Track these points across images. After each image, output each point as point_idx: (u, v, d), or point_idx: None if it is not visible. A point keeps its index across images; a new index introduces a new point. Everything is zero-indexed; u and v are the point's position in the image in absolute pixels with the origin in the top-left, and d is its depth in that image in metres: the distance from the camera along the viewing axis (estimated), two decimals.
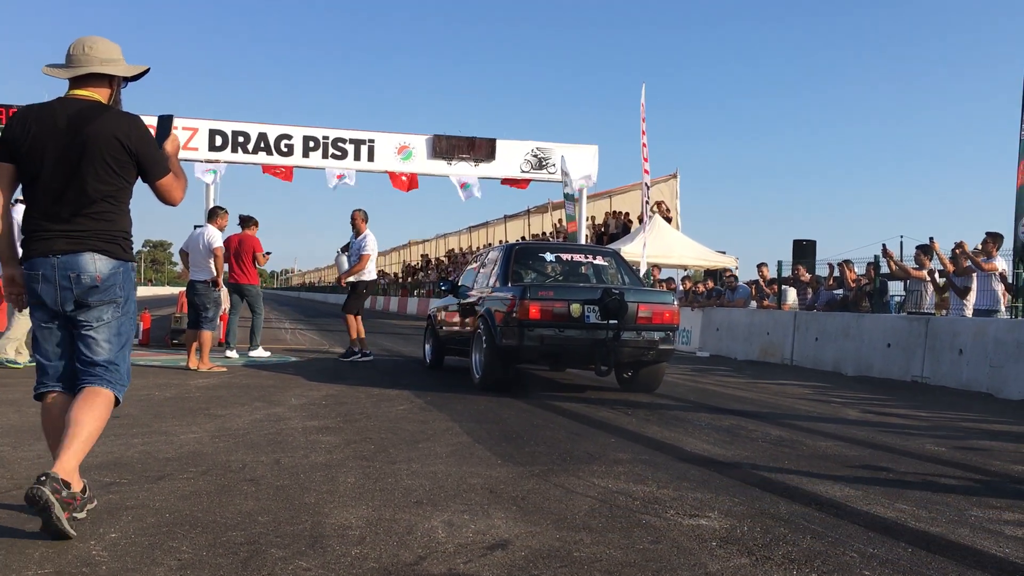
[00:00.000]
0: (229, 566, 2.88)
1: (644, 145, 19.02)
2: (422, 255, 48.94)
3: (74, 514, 3.14)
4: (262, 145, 21.37)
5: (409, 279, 44.59)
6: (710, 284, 17.97)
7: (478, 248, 32.89)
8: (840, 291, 14.02)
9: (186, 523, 3.37)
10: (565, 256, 9.63)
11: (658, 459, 5.12)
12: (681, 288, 19.00)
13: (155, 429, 5.51)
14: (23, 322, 9.04)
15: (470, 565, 2.98)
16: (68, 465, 3.13)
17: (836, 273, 14.36)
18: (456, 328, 9.70)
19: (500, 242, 35.02)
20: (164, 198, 3.52)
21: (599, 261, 9.60)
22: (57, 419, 3.32)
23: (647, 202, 19.44)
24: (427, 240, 51.32)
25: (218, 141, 21.30)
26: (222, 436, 5.34)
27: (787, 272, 15.69)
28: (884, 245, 12.70)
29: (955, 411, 8.19)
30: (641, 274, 20.98)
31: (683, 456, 5.25)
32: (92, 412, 3.26)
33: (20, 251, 3.42)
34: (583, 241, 23.83)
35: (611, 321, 7.86)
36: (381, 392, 7.98)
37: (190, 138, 21.24)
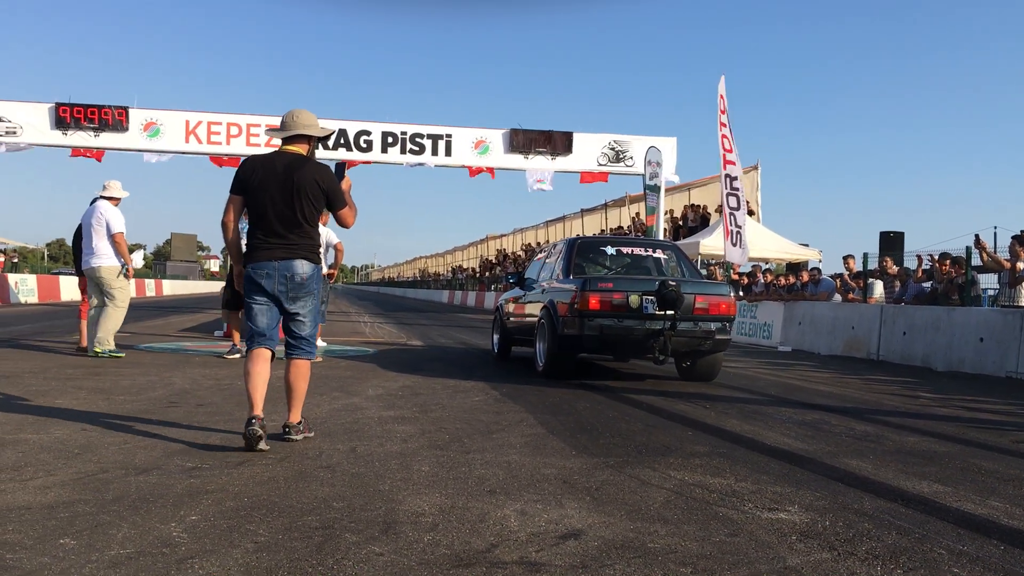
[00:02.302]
0: (304, 549, 2.91)
1: (724, 137, 18.60)
2: (499, 250, 49.10)
3: (296, 436, 4.86)
4: (342, 141, 21.72)
5: (487, 274, 44.77)
6: (791, 278, 17.54)
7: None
8: (929, 284, 13.54)
9: (263, 507, 3.42)
10: (625, 249, 9.80)
11: (737, 452, 5.01)
12: (762, 281, 18.63)
13: (236, 418, 5.62)
14: (118, 315, 9.42)
15: (542, 554, 2.95)
16: (295, 416, 4.91)
17: (925, 265, 13.86)
18: (522, 319, 10.02)
19: (577, 236, 34.85)
20: (341, 222, 5.04)
21: (659, 254, 9.75)
22: (258, 365, 4.74)
23: (730, 195, 18.88)
24: (504, 235, 51.46)
25: None
26: None
27: (873, 264, 15.24)
28: (977, 236, 12.23)
29: None
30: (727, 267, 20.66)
31: (763, 449, 5.12)
32: (301, 378, 4.87)
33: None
34: (661, 235, 23.58)
35: (668, 311, 8.05)
36: (456, 383, 8.01)
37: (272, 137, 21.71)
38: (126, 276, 9.51)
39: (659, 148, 22.94)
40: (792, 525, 3.40)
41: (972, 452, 5.27)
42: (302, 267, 4.75)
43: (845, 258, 16.00)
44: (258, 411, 4.61)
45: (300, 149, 4.87)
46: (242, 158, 22.34)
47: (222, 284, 10.03)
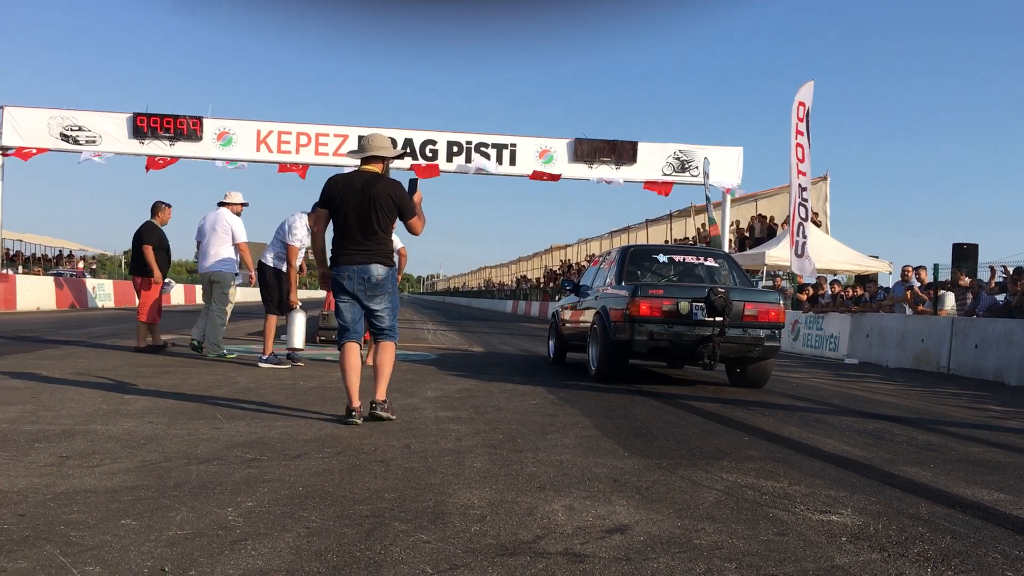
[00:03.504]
0: (353, 536, 2.98)
1: (799, 146, 18.24)
2: (563, 260, 49.08)
3: (383, 413, 5.54)
4: (408, 150, 21.99)
5: (550, 284, 44.80)
6: (859, 290, 17.19)
7: None
8: (1003, 296, 13.15)
9: (317, 496, 3.51)
10: (677, 257, 10.00)
11: (792, 457, 4.95)
12: (829, 292, 18.29)
13: (297, 414, 5.76)
14: (224, 319, 9.70)
15: (587, 546, 2.97)
16: (381, 394, 5.58)
17: (999, 277, 13.47)
18: (576, 325, 10.27)
19: None
20: (411, 230, 5.76)
21: (710, 263, 9.89)
22: (352, 358, 5.51)
23: (801, 205, 18.49)
24: (569, 245, 51.43)
25: None
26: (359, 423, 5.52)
27: (945, 276, 14.86)
28: None
29: None
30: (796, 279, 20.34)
31: (820, 455, 5.06)
32: (388, 359, 5.66)
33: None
34: (726, 246, 23.34)
35: (717, 318, 8.19)
36: (514, 387, 8.06)
37: (340, 144, 22.13)
38: (247, 284, 9.86)
39: (720, 158, 22.77)
40: (843, 527, 3.36)
41: None
42: (377, 270, 5.50)
43: (916, 269, 15.63)
44: (356, 402, 5.45)
45: (376, 168, 5.68)
46: (309, 165, 22.71)
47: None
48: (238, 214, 9.97)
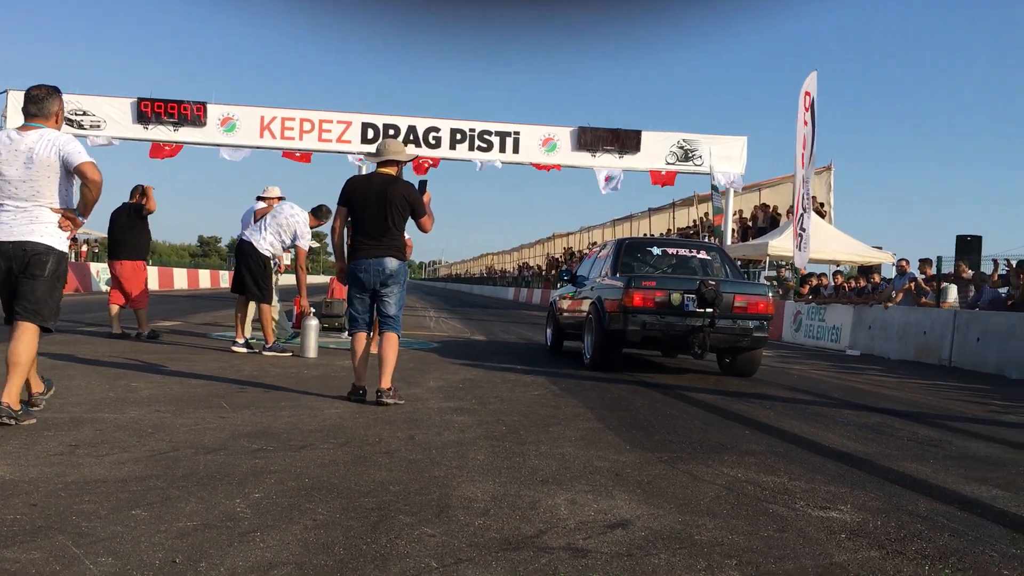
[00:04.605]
0: (359, 528, 3.03)
1: (805, 137, 18.21)
2: (565, 248, 49.07)
3: (388, 400, 5.80)
4: (411, 137, 22.02)
5: (553, 272, 44.81)
6: (862, 281, 17.21)
7: None
8: (1006, 289, 13.17)
9: (323, 488, 3.56)
10: (670, 250, 10.25)
11: (793, 452, 4.99)
12: (832, 284, 18.32)
13: (302, 404, 5.81)
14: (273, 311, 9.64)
15: (589, 541, 3.01)
16: (386, 382, 5.87)
17: (1001, 270, 13.48)
18: (572, 314, 10.53)
19: (644, 235, 34.71)
20: (421, 228, 6.24)
21: (703, 255, 10.17)
22: (361, 344, 6.04)
23: (804, 195, 18.48)
24: (571, 233, 51.39)
25: (370, 134, 22.10)
26: (362, 413, 5.58)
27: (948, 268, 14.87)
28: None
29: None
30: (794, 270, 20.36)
31: (820, 450, 5.10)
32: (391, 349, 5.96)
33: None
34: (729, 236, 23.36)
35: (708, 309, 8.47)
36: (517, 378, 8.11)
37: (344, 131, 22.14)
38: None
39: (724, 148, 22.77)
40: (843, 524, 3.41)
41: None
42: (391, 263, 6.00)
43: (921, 261, 15.63)
44: (363, 381, 6.01)
45: (391, 170, 6.16)
46: (312, 152, 22.69)
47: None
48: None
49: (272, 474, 3.76)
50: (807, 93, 18.17)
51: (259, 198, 9.92)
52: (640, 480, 4.01)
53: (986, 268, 14.36)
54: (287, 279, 10.76)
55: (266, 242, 9.10)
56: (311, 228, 9.53)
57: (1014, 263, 13.08)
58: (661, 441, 5.12)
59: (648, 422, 5.82)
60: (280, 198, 9.93)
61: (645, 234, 35.53)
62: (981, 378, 11.11)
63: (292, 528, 3.00)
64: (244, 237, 9.25)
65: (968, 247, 17.69)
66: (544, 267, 49.78)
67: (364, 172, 6.69)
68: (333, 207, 7.80)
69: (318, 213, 9.71)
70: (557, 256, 49.00)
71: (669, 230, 33.76)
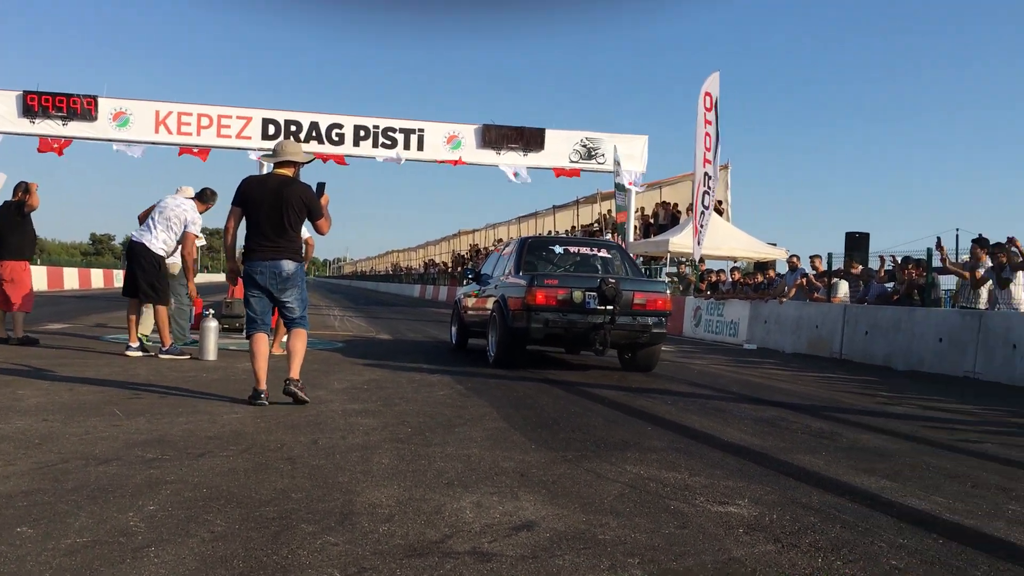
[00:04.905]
0: (259, 539, 2.96)
1: (707, 135, 18.63)
2: (471, 245, 49.09)
3: (296, 389, 5.84)
4: (313, 134, 21.67)
5: (458, 269, 44.76)
6: (758, 277, 17.74)
7: None
8: (892, 284, 13.76)
9: (222, 498, 3.46)
10: (572, 248, 10.48)
11: (693, 447, 5.11)
12: (730, 279, 18.82)
13: (200, 409, 5.64)
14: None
15: (494, 544, 3.02)
16: (295, 373, 5.89)
17: (888, 266, 14.09)
18: (477, 312, 10.65)
19: (549, 232, 35.00)
20: (318, 230, 6.31)
21: (604, 253, 10.39)
22: (261, 346, 5.88)
23: (706, 193, 18.88)
24: (477, 230, 51.45)
25: (271, 130, 21.63)
26: (264, 417, 5.46)
27: (838, 264, 15.45)
28: (939, 239, 12.45)
29: (1006, 407, 8.03)
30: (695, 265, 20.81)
31: (719, 445, 5.23)
32: (301, 343, 6.01)
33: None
34: (631, 233, 23.73)
35: (608, 307, 8.71)
36: (423, 377, 8.06)
37: (243, 127, 21.62)
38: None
39: (626, 146, 23.11)
40: (740, 518, 3.50)
41: (922, 450, 5.41)
42: (288, 266, 5.95)
43: (812, 258, 16.20)
44: (263, 385, 5.83)
45: (288, 172, 6.13)
46: (211, 148, 22.08)
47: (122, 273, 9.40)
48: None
49: (168, 485, 3.64)
50: (708, 94, 18.59)
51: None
52: (545, 480, 4.04)
53: (874, 264, 14.98)
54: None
55: (159, 240, 8.80)
56: (199, 213, 9.27)
57: (899, 259, 13.68)
58: (566, 440, 5.16)
59: (553, 420, 5.86)
60: (193, 199, 9.65)
61: (550, 231, 35.85)
62: (870, 370, 11.58)
63: (189, 542, 2.90)
64: (135, 238, 8.92)
65: (856, 243, 18.42)
66: (450, 264, 49.70)
67: (265, 171, 6.48)
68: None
69: (203, 197, 9.47)
70: (463, 253, 48.98)
71: (574, 227, 34.11)
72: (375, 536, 3.05)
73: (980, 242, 11.89)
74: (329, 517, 3.26)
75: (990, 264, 11.59)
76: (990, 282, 11.58)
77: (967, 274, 11.87)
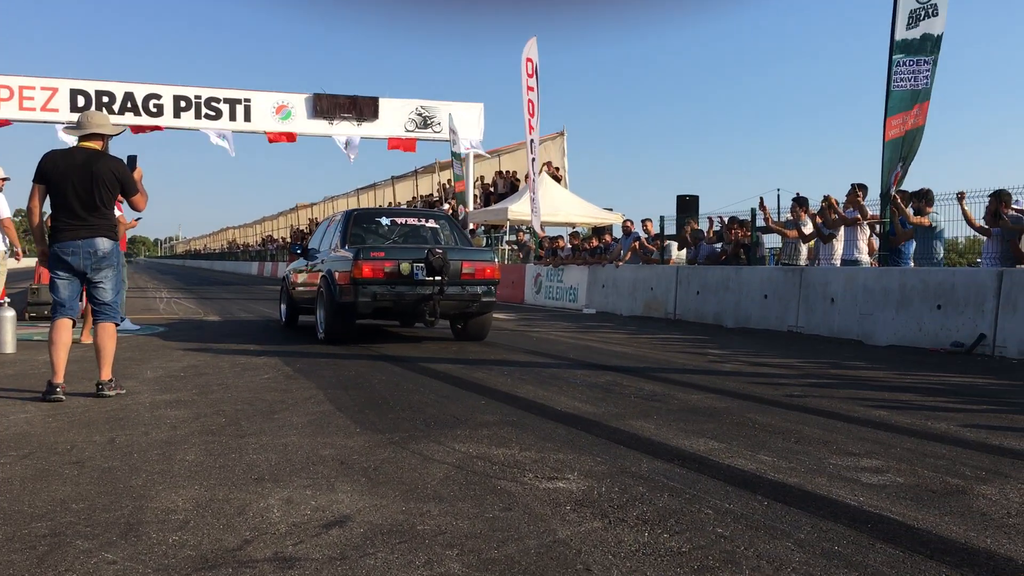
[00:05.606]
0: (23, 563, 2.56)
1: (531, 102, 18.65)
2: (310, 219, 47.78)
3: (110, 392, 5.50)
4: (129, 105, 20.30)
5: (297, 244, 43.49)
6: (595, 242, 17.96)
7: None
8: (720, 245, 14.19)
9: None
10: (399, 220, 10.26)
11: (526, 420, 4.96)
12: (569, 245, 18.99)
13: None
14: None
15: (300, 546, 2.73)
16: (106, 374, 5.53)
17: (716, 227, 14.51)
18: (305, 288, 10.38)
19: (389, 203, 34.46)
20: (134, 207, 5.86)
21: (431, 224, 10.25)
22: (63, 334, 5.46)
23: (534, 160, 19.08)
24: (315, 203, 50.16)
25: (80, 101, 20.11)
26: (58, 415, 4.92)
27: (670, 228, 15.80)
28: (761, 199, 12.90)
29: (826, 358, 8.35)
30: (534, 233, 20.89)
31: (553, 415, 5.11)
32: (108, 339, 5.56)
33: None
34: (471, 201, 23.60)
35: (436, 277, 8.62)
36: (247, 360, 7.60)
37: (49, 99, 19.99)
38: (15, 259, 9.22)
39: (462, 114, 22.88)
40: (568, 494, 3.35)
41: (749, 407, 5.47)
42: (103, 244, 5.52)
43: (643, 221, 16.50)
44: (60, 378, 5.40)
45: (96, 145, 5.64)
46: (11, 122, 20.36)
47: None
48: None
49: None
50: (528, 59, 18.58)
51: None
52: (366, 467, 3.77)
53: (703, 226, 15.40)
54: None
55: None
56: None
57: (727, 220, 14.10)
58: (395, 420, 4.90)
59: (384, 399, 5.59)
60: (5, 179, 8.92)
61: (390, 203, 35.31)
62: (702, 329, 11.89)
63: None
64: None
65: (687, 206, 18.99)
66: (289, 239, 48.22)
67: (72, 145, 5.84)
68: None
69: None
70: (302, 228, 47.62)
71: (415, 197, 33.68)
72: (162, 549, 2.70)
73: (799, 201, 12.36)
74: (111, 529, 2.88)
75: (810, 224, 12.08)
76: (812, 241, 12.08)
77: (789, 232, 12.34)
